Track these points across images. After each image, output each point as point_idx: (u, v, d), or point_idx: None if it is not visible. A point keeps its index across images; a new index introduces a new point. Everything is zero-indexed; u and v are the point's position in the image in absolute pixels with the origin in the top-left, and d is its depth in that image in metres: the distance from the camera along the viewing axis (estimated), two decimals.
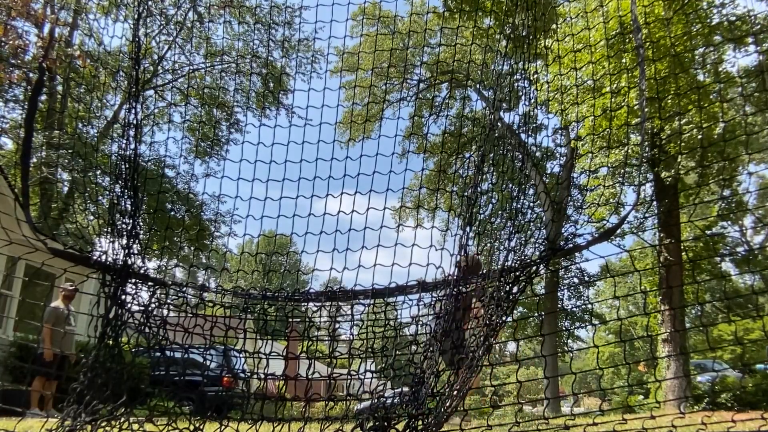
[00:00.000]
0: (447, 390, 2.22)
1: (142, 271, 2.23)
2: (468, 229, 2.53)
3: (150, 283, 2.27)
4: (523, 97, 2.94)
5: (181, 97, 20.26)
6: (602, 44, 8.80)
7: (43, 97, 17.87)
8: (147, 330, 2.20)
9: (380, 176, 2.81)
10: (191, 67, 19.95)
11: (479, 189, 2.70)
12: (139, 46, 2.40)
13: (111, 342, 1.98)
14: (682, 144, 11.33)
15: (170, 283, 2.48)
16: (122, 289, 2.08)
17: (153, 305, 2.23)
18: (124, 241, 2.09)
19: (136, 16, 2.35)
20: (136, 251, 2.15)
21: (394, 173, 2.83)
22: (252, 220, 2.85)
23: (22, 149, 1.93)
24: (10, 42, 11.73)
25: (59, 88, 17.38)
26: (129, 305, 2.15)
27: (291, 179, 2.82)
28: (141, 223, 2.25)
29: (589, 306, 26.32)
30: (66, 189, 18.08)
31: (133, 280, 2.16)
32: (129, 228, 2.03)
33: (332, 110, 3.04)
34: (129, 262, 2.09)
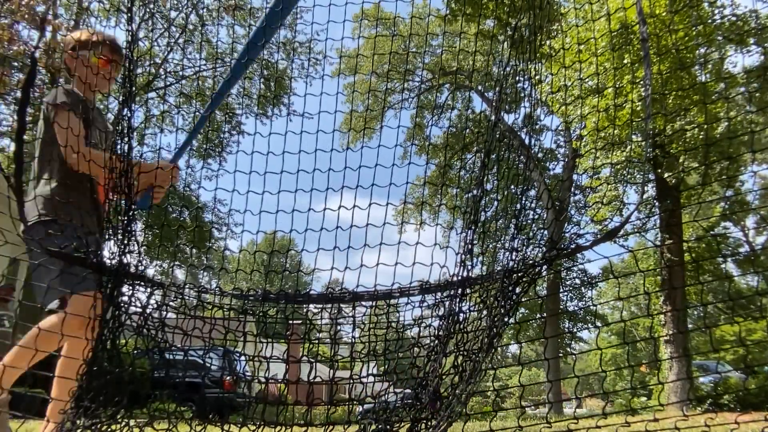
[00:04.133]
0: (451, 395, 2.19)
1: (139, 272, 2.21)
2: (474, 227, 2.51)
3: (147, 284, 2.25)
4: (525, 99, 2.92)
5: (183, 100, 20.26)
6: (604, 44, 8.78)
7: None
8: (145, 332, 2.18)
9: (381, 179, 2.79)
10: (193, 69, 19.97)
11: (484, 187, 2.68)
12: (133, 36, 2.39)
13: (109, 344, 1.96)
14: (684, 144, 11.31)
15: (168, 283, 2.46)
16: (119, 290, 2.06)
17: (151, 306, 2.21)
18: (120, 240, 2.07)
19: (128, 13, 2.34)
20: (132, 250, 2.13)
21: (396, 168, 2.82)
22: (256, 223, 2.83)
23: (16, 143, 1.93)
24: (15, 48, 11.74)
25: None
26: (126, 306, 2.13)
27: (293, 182, 2.81)
28: (138, 222, 2.23)
29: (592, 307, 26.28)
30: None
31: (129, 281, 2.14)
32: (124, 225, 2.01)
33: (337, 116, 3.02)
34: (125, 261, 2.07)
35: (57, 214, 2.21)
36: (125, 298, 2.12)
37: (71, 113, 2.27)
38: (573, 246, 2.55)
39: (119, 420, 2.09)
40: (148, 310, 2.19)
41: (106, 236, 2.09)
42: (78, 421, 1.85)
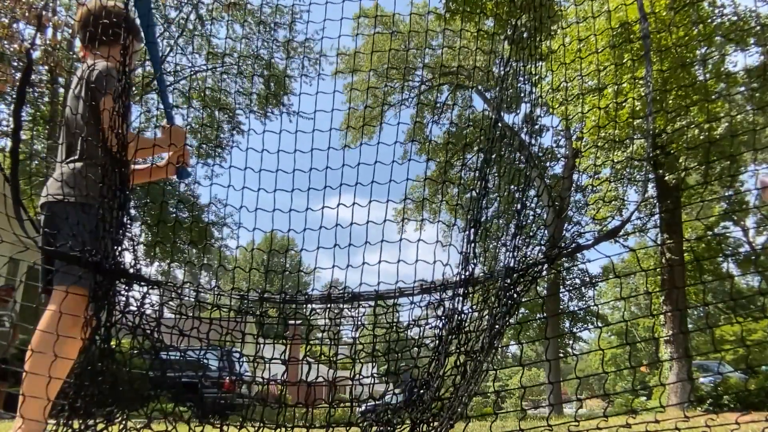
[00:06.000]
0: (453, 395, 2.18)
1: (134, 271, 2.18)
2: (475, 227, 2.49)
3: (143, 284, 2.22)
4: (525, 98, 2.91)
5: (183, 100, 20.26)
6: (604, 43, 8.77)
7: (45, 99, 17.88)
8: (140, 332, 2.15)
9: (381, 179, 2.77)
10: (193, 69, 19.94)
11: (486, 185, 2.66)
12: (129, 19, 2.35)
13: (103, 345, 1.94)
14: (684, 145, 11.30)
15: (164, 282, 2.44)
16: (114, 290, 2.03)
17: (147, 306, 2.19)
18: (114, 237, 2.03)
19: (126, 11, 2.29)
20: (127, 248, 2.10)
21: (396, 167, 2.80)
22: (258, 223, 2.81)
23: (12, 140, 1.90)
24: (15, 46, 11.71)
25: (61, 90, 17.38)
26: (121, 306, 2.10)
27: (292, 182, 2.79)
28: (131, 219, 2.19)
29: (593, 307, 26.25)
30: None
31: (124, 280, 2.10)
32: (118, 222, 1.97)
33: (336, 115, 2.99)
34: (120, 260, 2.04)
35: (90, 196, 2.15)
36: (120, 298, 2.10)
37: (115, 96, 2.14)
38: (574, 245, 2.54)
39: (116, 421, 2.07)
40: (143, 310, 2.16)
41: (102, 232, 2.05)
42: (70, 424, 1.83)
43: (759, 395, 9.69)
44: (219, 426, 2.29)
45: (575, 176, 20.83)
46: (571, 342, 30.68)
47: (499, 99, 3.00)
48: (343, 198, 2.75)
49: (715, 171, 12.24)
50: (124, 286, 2.11)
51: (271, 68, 18.37)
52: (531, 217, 2.76)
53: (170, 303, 2.46)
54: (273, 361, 2.48)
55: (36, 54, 12.38)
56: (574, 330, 26.54)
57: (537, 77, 3.06)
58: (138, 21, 2.57)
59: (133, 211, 2.63)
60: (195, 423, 2.27)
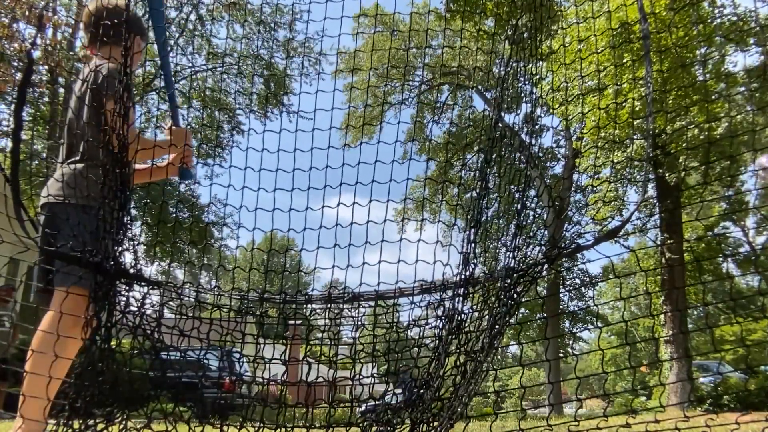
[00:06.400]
0: (453, 395, 2.18)
1: (134, 271, 2.18)
2: (475, 226, 2.49)
3: (143, 284, 2.22)
4: (525, 98, 2.91)
5: (183, 100, 20.25)
6: (604, 43, 8.77)
7: (45, 99, 17.88)
8: (141, 332, 2.15)
9: (382, 178, 2.76)
10: (193, 69, 19.94)
11: (486, 185, 2.66)
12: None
13: (103, 345, 1.94)
14: (684, 145, 11.30)
15: (165, 283, 2.44)
16: (114, 290, 2.03)
17: (147, 306, 2.18)
18: (115, 238, 2.03)
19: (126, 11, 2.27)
20: (127, 248, 2.10)
21: (396, 167, 2.80)
22: (259, 224, 2.80)
23: (12, 141, 1.90)
24: (15, 46, 11.71)
25: (61, 90, 17.37)
26: (122, 306, 2.10)
27: (295, 184, 2.79)
28: (130, 219, 2.19)
29: (593, 307, 26.23)
30: None
31: (124, 280, 2.10)
32: (119, 223, 1.97)
33: (336, 114, 2.98)
34: (120, 260, 2.04)
35: (91, 197, 2.15)
36: (120, 298, 2.10)
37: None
38: (574, 246, 2.54)
39: (116, 421, 2.06)
40: (144, 310, 2.16)
41: (102, 233, 2.05)
42: (70, 424, 1.83)
43: (759, 395, 9.69)
44: (219, 426, 2.29)
45: (575, 176, 20.81)
46: (571, 342, 30.68)
47: (499, 99, 3.00)
48: (343, 197, 2.75)
49: (715, 171, 12.25)
50: (124, 287, 2.11)
51: (271, 68, 18.37)
52: (531, 218, 2.76)
53: (170, 303, 2.46)
54: (273, 361, 2.48)
55: (36, 54, 12.36)
56: (574, 330, 26.53)
57: (537, 77, 3.06)
58: (149, 16, 2.56)
59: (133, 211, 2.63)
60: (195, 423, 2.27)
